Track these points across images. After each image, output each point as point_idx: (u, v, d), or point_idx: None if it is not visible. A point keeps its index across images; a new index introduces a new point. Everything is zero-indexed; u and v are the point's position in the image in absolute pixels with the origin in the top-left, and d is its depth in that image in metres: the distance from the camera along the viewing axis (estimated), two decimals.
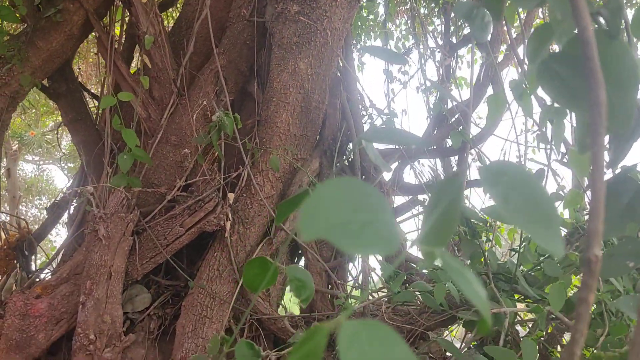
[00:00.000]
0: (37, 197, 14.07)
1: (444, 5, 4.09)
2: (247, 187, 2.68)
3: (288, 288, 3.12)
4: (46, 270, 3.16)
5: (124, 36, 3.43)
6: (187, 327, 2.46)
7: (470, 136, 2.80)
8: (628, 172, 1.05)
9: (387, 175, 3.40)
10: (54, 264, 3.17)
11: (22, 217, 3.41)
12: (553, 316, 1.72)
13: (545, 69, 0.70)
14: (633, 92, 0.73)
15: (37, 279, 2.92)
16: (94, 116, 3.43)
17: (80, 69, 6.01)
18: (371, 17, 5.53)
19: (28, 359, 2.35)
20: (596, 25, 0.76)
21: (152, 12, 2.80)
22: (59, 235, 9.88)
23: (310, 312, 2.72)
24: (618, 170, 1.03)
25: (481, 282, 0.52)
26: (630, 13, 0.89)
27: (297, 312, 3.00)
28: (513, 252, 2.39)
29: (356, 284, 2.96)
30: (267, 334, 2.60)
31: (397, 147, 3.26)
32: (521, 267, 2.05)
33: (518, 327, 2.14)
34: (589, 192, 1.97)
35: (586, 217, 2.11)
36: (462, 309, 2.04)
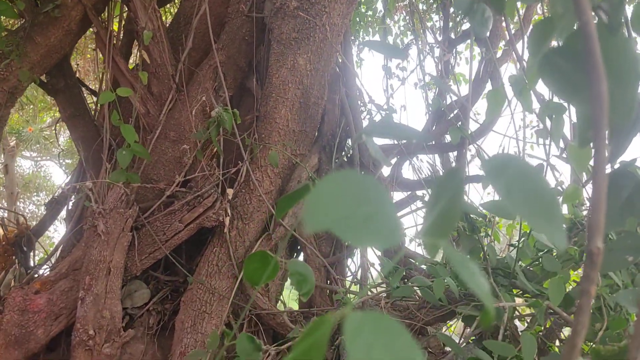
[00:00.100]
0: (35, 194, 14.06)
1: (443, 1, 4.08)
2: (246, 183, 2.68)
3: (287, 283, 3.13)
4: (45, 266, 3.16)
5: (122, 32, 3.42)
6: (186, 323, 2.46)
7: (469, 132, 2.80)
8: (627, 167, 1.05)
9: (386, 171, 3.41)
10: (53, 260, 3.17)
11: (20, 213, 3.41)
12: (551, 311, 1.72)
13: (546, 63, 0.70)
14: (634, 86, 0.73)
15: (36, 275, 2.92)
16: (93, 112, 3.43)
17: (78, 64, 6.00)
18: (370, 13, 5.52)
19: (27, 354, 2.36)
20: (597, 19, 0.76)
21: (151, 8, 2.80)
22: (57, 231, 9.88)
23: (309, 308, 2.73)
24: (617, 165, 1.04)
25: (484, 274, 0.52)
26: (629, 9, 0.89)
27: (295, 307, 3.00)
28: (512, 248, 2.40)
29: (355, 280, 2.97)
30: (266, 329, 2.61)
31: (396, 142, 3.26)
32: (520, 262, 2.06)
33: (516, 322, 2.15)
34: (587, 188, 1.97)
35: (585, 213, 2.12)
36: (461, 303, 2.04)
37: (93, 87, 3.96)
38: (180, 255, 2.81)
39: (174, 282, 2.78)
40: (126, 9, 3.11)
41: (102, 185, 2.57)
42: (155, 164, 2.76)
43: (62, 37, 2.78)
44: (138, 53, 2.97)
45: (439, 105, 3.16)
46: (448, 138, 3.31)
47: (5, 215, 3.19)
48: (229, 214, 2.57)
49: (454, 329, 3.09)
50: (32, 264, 3.14)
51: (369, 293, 2.52)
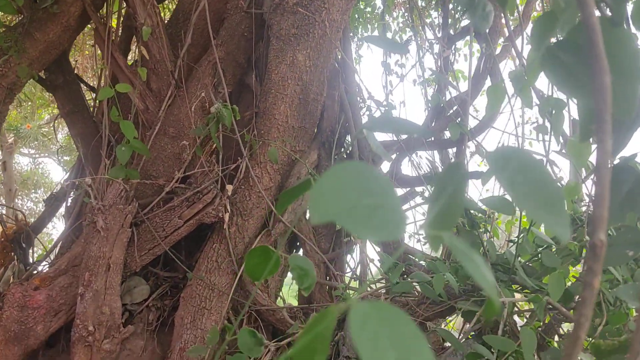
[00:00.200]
0: (33, 191, 14.03)
1: None
2: (246, 179, 2.68)
3: (286, 280, 3.14)
4: (44, 263, 3.15)
5: (121, 28, 3.41)
6: (185, 319, 2.46)
7: (469, 128, 2.80)
8: (628, 162, 1.05)
9: (385, 167, 3.41)
10: (52, 256, 3.17)
11: (19, 209, 3.40)
12: (550, 306, 1.73)
13: (549, 57, 0.70)
14: (636, 80, 0.73)
15: (35, 271, 2.92)
16: (91, 108, 3.42)
17: (76, 61, 5.99)
18: (368, 9, 5.51)
19: (27, 350, 2.36)
20: (599, 14, 0.76)
21: (150, 4, 2.79)
22: (55, 228, 9.86)
23: (309, 304, 2.73)
24: (617, 161, 1.04)
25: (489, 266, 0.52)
26: (629, 5, 0.89)
27: (295, 304, 3.01)
28: (511, 244, 2.40)
29: (354, 276, 2.97)
30: (266, 325, 2.61)
31: (395, 139, 3.26)
32: (519, 258, 2.06)
33: (515, 318, 2.16)
34: (587, 183, 1.98)
35: (584, 209, 2.12)
36: (460, 299, 2.05)
37: (91, 84, 3.94)
38: (180, 252, 2.81)
39: (173, 278, 2.78)
40: (125, 5, 3.10)
41: (101, 181, 2.57)
42: (154, 160, 2.76)
43: (61, 33, 2.78)
44: (137, 49, 2.96)
45: (438, 101, 3.16)
46: (447, 134, 3.31)
47: (4, 211, 3.18)
48: (229, 210, 2.57)
49: (453, 324, 3.10)
50: (31, 260, 3.14)
51: (369, 289, 2.52)
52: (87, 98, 3.45)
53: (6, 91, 2.71)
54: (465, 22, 4.17)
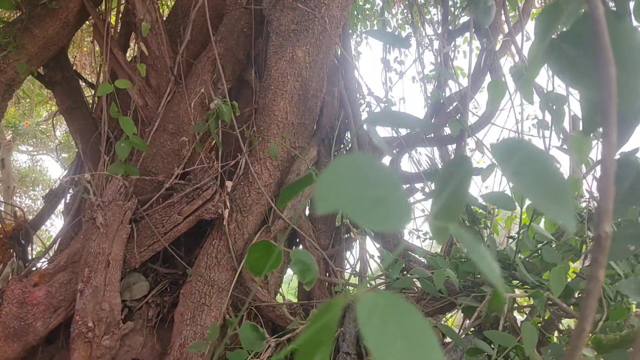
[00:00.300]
0: (31, 188, 14.02)
1: None
2: (245, 176, 2.68)
3: (285, 278, 3.13)
4: (42, 259, 3.15)
5: (120, 24, 3.40)
6: (185, 315, 2.46)
7: (468, 124, 2.80)
8: (629, 156, 1.05)
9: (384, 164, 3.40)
10: (51, 253, 3.17)
11: (18, 206, 3.40)
12: (550, 302, 1.73)
13: (553, 49, 0.70)
14: (639, 73, 0.73)
15: (34, 268, 2.92)
16: (90, 105, 3.41)
17: (75, 57, 5.98)
18: (367, 6, 5.51)
19: (26, 346, 2.35)
20: (603, 6, 0.76)
21: (149, 0, 2.78)
22: (54, 226, 9.86)
23: (308, 300, 2.73)
24: (617, 156, 1.04)
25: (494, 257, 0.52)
26: (632, 0, 0.89)
27: (294, 301, 3.01)
28: (510, 240, 2.40)
29: (354, 272, 2.97)
30: (266, 321, 2.61)
31: (395, 135, 3.26)
32: (519, 254, 2.06)
33: (515, 314, 2.16)
34: (587, 179, 1.98)
35: (583, 205, 2.13)
36: (461, 295, 2.05)
37: (90, 81, 3.93)
38: (179, 248, 2.81)
39: (173, 274, 2.78)
40: (124, 1, 3.09)
41: (100, 177, 2.57)
42: (153, 156, 2.75)
43: (60, 29, 2.77)
44: (135, 46, 2.95)
45: (438, 97, 3.16)
46: (447, 131, 3.31)
47: (2, 208, 3.18)
48: (228, 206, 2.57)
49: (453, 320, 3.10)
50: (30, 257, 3.13)
51: (368, 285, 2.52)
52: (86, 94, 3.44)
53: (5, 87, 2.70)
54: (464, 19, 4.17)
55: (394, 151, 3.30)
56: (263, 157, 2.71)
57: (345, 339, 2.29)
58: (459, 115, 2.77)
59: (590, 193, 2.10)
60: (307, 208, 3.12)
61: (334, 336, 2.34)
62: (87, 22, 3.33)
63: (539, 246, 2.00)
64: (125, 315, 2.52)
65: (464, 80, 4.69)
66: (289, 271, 3.17)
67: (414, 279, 2.20)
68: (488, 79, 3.28)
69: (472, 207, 2.09)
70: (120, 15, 3.37)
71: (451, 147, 3.53)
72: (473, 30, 2.94)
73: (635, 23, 0.92)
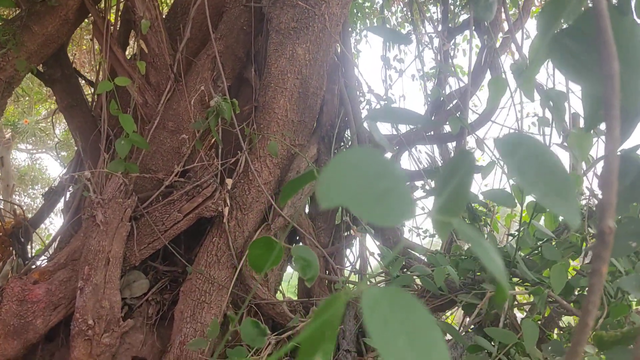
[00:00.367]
0: (30, 186, 14.01)
1: None
2: (245, 173, 2.68)
3: (284, 276, 3.13)
4: (42, 257, 3.15)
5: (120, 21, 3.40)
6: (185, 313, 2.46)
7: (468, 122, 2.80)
8: (631, 153, 1.05)
9: None
10: (50, 251, 3.16)
11: (17, 204, 3.40)
12: (550, 299, 1.73)
13: (556, 44, 0.69)
14: None
15: (34, 266, 2.91)
16: (90, 103, 3.41)
17: (74, 55, 5.97)
18: (367, 4, 5.51)
19: (26, 344, 2.35)
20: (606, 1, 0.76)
21: None
22: (53, 224, 9.85)
23: (308, 298, 2.73)
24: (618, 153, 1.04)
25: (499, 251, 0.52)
26: None
27: (294, 298, 3.01)
28: (510, 238, 2.40)
29: (354, 270, 2.97)
30: (266, 319, 2.61)
31: (395, 133, 3.26)
32: (519, 251, 2.06)
33: (515, 312, 2.16)
34: (587, 176, 1.98)
35: (584, 202, 2.12)
36: (461, 292, 2.05)
37: (89, 79, 3.93)
38: (179, 246, 2.81)
39: (172, 272, 2.77)
40: None
41: (100, 175, 2.56)
42: (153, 154, 2.75)
43: (60, 26, 2.77)
44: (135, 43, 2.95)
45: (438, 95, 3.16)
46: (447, 128, 3.31)
47: (1, 206, 3.17)
48: (228, 204, 2.56)
49: (453, 318, 3.10)
50: (29, 255, 3.13)
51: (369, 283, 2.52)
52: (85, 92, 3.43)
53: (4, 85, 2.70)
54: (464, 17, 4.16)
55: (395, 148, 3.30)
56: (263, 155, 2.71)
57: (346, 336, 2.29)
58: (459, 112, 2.77)
59: (590, 190, 2.10)
60: (307, 206, 3.12)
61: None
62: (86, 20, 3.32)
63: (539, 244, 2.00)
64: (125, 313, 2.51)
65: (464, 78, 4.69)
66: (289, 269, 3.18)
67: (414, 277, 2.20)
68: (488, 76, 3.28)
69: (472, 204, 2.09)
70: (120, 13, 3.37)
71: (451, 145, 3.53)
72: (473, 27, 2.94)
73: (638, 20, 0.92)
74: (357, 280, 2.85)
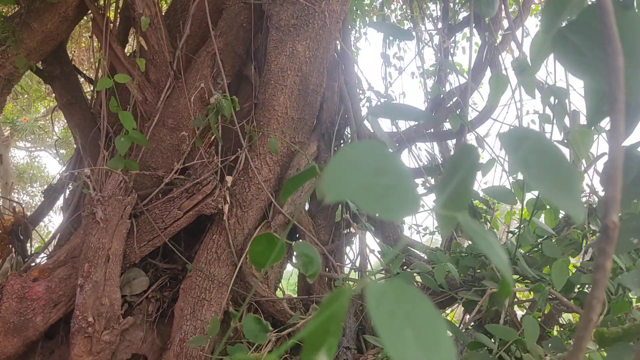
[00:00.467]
0: (29, 184, 14.00)
1: None
2: (245, 171, 2.67)
3: (284, 273, 3.13)
4: (42, 255, 3.14)
5: (119, 18, 3.39)
6: (185, 310, 2.46)
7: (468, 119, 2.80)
8: (632, 150, 1.05)
9: None
10: (50, 248, 3.16)
11: (16, 201, 3.39)
12: (550, 297, 1.73)
13: (560, 39, 0.69)
14: None
15: (33, 264, 2.91)
16: (89, 100, 3.40)
17: (73, 53, 5.96)
18: (367, 1, 5.50)
19: (26, 341, 2.35)
20: None
21: None
22: (52, 222, 9.85)
23: (308, 295, 2.73)
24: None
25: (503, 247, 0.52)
26: None
27: (294, 295, 3.01)
28: (510, 235, 2.41)
29: (354, 267, 2.97)
30: (266, 316, 2.61)
31: (395, 130, 3.26)
32: (519, 248, 2.06)
33: (515, 309, 2.16)
34: (588, 173, 1.97)
35: (584, 199, 2.13)
36: (461, 289, 2.05)
37: (88, 76, 3.92)
38: (179, 243, 2.80)
39: (172, 269, 2.77)
40: None
41: (100, 172, 2.56)
42: (153, 151, 2.74)
43: (59, 23, 2.76)
44: (135, 41, 2.94)
45: (438, 92, 3.15)
46: (447, 126, 3.31)
47: (0, 204, 3.17)
48: (228, 201, 2.56)
49: (453, 315, 3.10)
50: (29, 252, 3.12)
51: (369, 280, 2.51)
52: (84, 90, 3.43)
53: (4, 82, 2.69)
54: (464, 14, 4.16)
55: (395, 146, 3.30)
56: (263, 152, 2.70)
57: (346, 333, 2.29)
58: (459, 110, 2.77)
59: (591, 187, 2.10)
60: (307, 203, 3.12)
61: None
62: (85, 18, 3.31)
63: (539, 241, 2.00)
64: (125, 310, 2.51)
65: (463, 75, 4.69)
66: (289, 267, 3.18)
67: (415, 274, 2.20)
68: (488, 74, 3.28)
69: (473, 201, 2.09)
70: (119, 10, 3.36)
71: (451, 142, 3.53)
72: (473, 25, 2.94)
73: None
74: (357, 278, 2.85)
